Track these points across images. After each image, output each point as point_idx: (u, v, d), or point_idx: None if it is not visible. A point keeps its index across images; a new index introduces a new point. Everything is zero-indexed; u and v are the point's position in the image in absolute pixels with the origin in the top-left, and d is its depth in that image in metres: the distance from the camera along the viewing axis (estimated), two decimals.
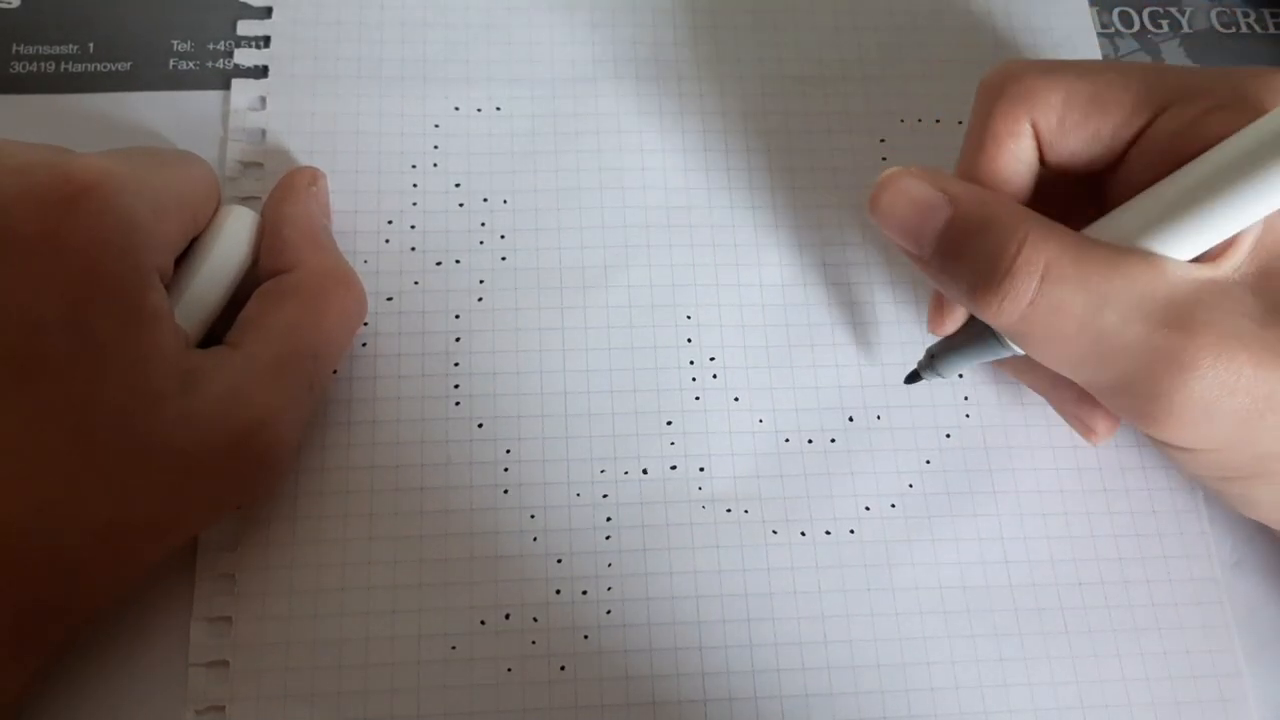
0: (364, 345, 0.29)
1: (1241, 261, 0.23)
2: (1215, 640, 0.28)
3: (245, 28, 0.32)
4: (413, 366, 0.29)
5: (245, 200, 0.30)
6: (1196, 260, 0.23)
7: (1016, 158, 0.25)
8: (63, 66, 0.32)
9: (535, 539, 0.28)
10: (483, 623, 0.27)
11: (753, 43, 0.34)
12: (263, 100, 0.31)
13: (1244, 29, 0.36)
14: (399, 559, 0.27)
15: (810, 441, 0.29)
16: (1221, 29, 0.36)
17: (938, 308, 0.28)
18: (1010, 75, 0.25)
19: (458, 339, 0.29)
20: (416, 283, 0.30)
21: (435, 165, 0.31)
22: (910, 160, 0.33)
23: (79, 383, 0.22)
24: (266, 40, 0.32)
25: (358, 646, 0.26)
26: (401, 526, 0.27)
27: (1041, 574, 0.28)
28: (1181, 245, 0.22)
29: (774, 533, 0.28)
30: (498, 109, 0.32)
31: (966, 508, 0.29)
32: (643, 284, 0.31)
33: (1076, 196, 0.26)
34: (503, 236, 0.31)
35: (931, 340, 0.29)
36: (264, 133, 0.31)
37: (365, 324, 0.29)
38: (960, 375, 0.30)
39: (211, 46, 0.32)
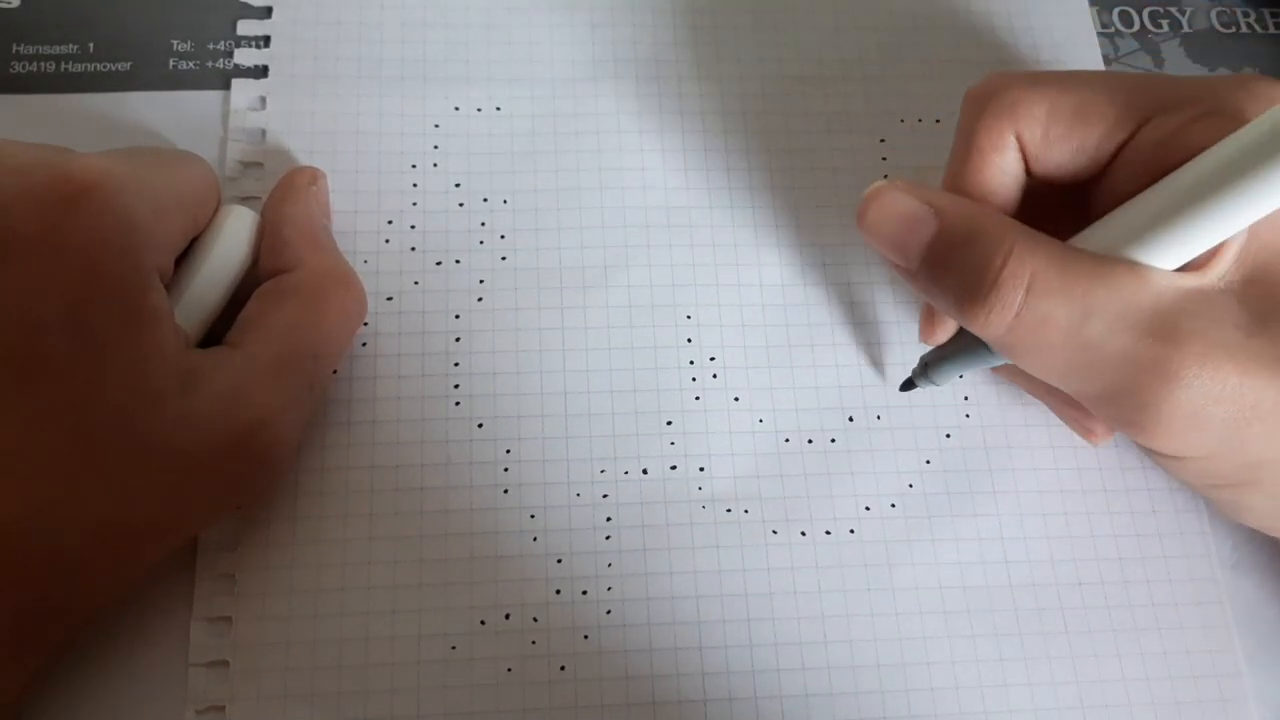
0: (364, 345, 0.29)
1: (1226, 270, 0.23)
2: (1215, 640, 0.28)
3: (245, 28, 0.32)
4: (413, 366, 0.29)
5: (245, 200, 0.30)
6: (1182, 269, 0.23)
7: (1002, 170, 0.25)
8: (63, 66, 0.32)
9: (535, 539, 0.28)
10: (483, 623, 0.27)
11: (753, 43, 0.34)
12: (263, 100, 0.31)
13: (1244, 29, 0.36)
14: (399, 559, 0.27)
15: (810, 441, 0.29)
16: (1221, 29, 0.36)
17: (928, 318, 0.28)
18: (995, 88, 0.25)
19: (458, 339, 0.29)
20: (416, 283, 0.30)
21: (435, 165, 0.31)
22: (910, 160, 0.33)
23: (79, 383, 0.22)
24: (266, 40, 0.32)
25: (358, 646, 0.26)
26: (401, 526, 0.27)
27: (1041, 574, 0.28)
28: (1166, 255, 0.22)
29: (774, 533, 0.28)
30: (498, 109, 0.32)
31: (966, 508, 0.29)
32: (643, 284, 0.31)
33: (1064, 206, 0.26)
34: (503, 236, 0.31)
35: (925, 349, 0.29)
36: (264, 133, 0.31)
37: (365, 324, 0.29)
38: (960, 376, 0.30)
39: (211, 46, 0.32)
